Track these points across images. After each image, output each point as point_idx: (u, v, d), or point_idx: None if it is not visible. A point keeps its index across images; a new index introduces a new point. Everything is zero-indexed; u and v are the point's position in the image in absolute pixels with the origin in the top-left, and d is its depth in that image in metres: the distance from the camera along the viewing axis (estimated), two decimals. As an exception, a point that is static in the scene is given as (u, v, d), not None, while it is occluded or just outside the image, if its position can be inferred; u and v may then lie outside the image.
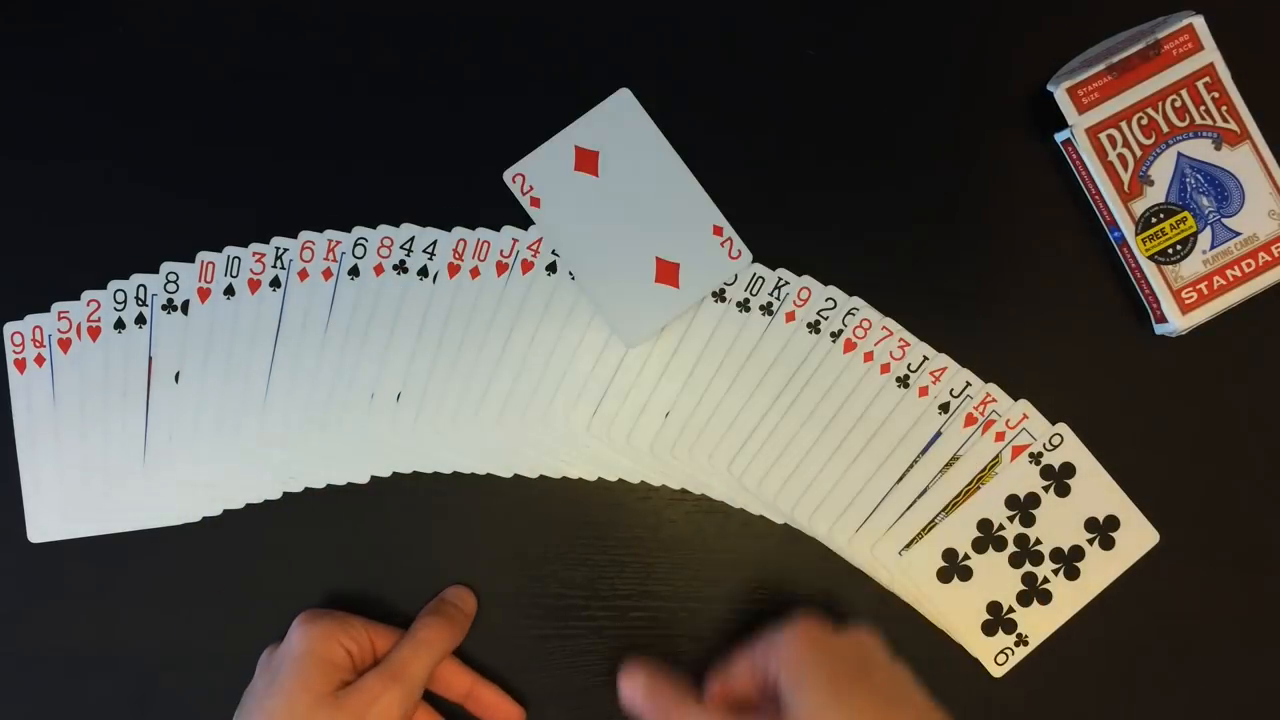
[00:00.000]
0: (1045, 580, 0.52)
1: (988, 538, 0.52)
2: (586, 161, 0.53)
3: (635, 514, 0.53)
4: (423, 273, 0.53)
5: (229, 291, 0.53)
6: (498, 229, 0.53)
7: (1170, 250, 0.51)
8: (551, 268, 0.53)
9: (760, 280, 0.53)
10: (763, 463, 0.52)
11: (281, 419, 0.53)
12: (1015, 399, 0.53)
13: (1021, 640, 0.52)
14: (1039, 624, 0.52)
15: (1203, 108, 0.51)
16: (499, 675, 0.52)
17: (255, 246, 0.54)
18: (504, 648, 0.53)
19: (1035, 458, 0.52)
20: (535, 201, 0.53)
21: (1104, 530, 0.52)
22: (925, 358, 0.53)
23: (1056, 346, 0.53)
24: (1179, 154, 0.51)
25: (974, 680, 0.52)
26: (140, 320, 0.54)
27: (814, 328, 0.53)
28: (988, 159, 0.54)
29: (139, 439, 0.53)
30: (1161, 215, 0.51)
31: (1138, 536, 0.52)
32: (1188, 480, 0.53)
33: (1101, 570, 0.52)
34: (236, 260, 0.53)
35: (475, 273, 0.53)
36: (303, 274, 0.53)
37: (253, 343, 0.53)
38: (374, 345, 0.53)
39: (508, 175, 0.53)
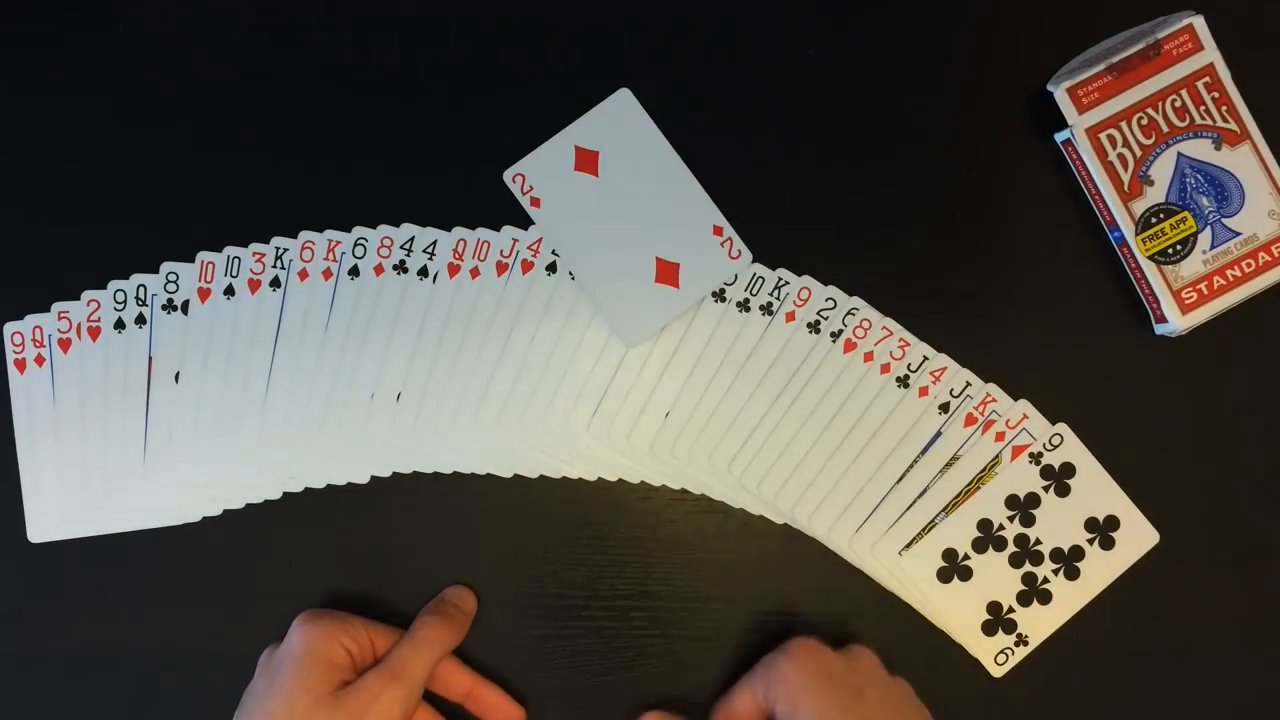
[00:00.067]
0: (1045, 580, 0.52)
1: (988, 538, 0.52)
2: (586, 161, 0.53)
3: (635, 514, 0.53)
4: (423, 273, 0.53)
5: (229, 291, 0.53)
6: (498, 229, 0.53)
7: (1170, 250, 0.51)
8: (551, 268, 0.53)
9: (760, 280, 0.53)
10: (763, 463, 0.52)
11: (281, 419, 0.53)
12: (1015, 399, 0.53)
13: (1021, 640, 0.52)
14: (1039, 624, 0.52)
15: (1203, 108, 0.51)
16: (499, 675, 0.52)
17: (255, 246, 0.54)
18: (504, 648, 0.53)
19: (1035, 458, 0.52)
20: (535, 201, 0.53)
21: (1104, 530, 0.52)
22: (925, 358, 0.53)
23: (1056, 346, 0.53)
24: (1179, 154, 0.51)
25: (974, 680, 0.52)
26: (140, 320, 0.54)
27: (814, 328, 0.53)
28: (988, 159, 0.54)
29: (139, 439, 0.53)
30: (1161, 215, 0.51)
31: (1138, 536, 0.52)
32: (1188, 480, 0.53)
33: (1101, 570, 0.52)
34: (236, 260, 0.53)
35: (475, 273, 0.53)
36: (303, 274, 0.53)
37: (253, 343, 0.53)
38: (374, 345, 0.53)
39: (508, 175, 0.53)
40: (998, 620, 0.52)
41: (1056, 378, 0.53)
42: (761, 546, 0.53)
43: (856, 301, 0.53)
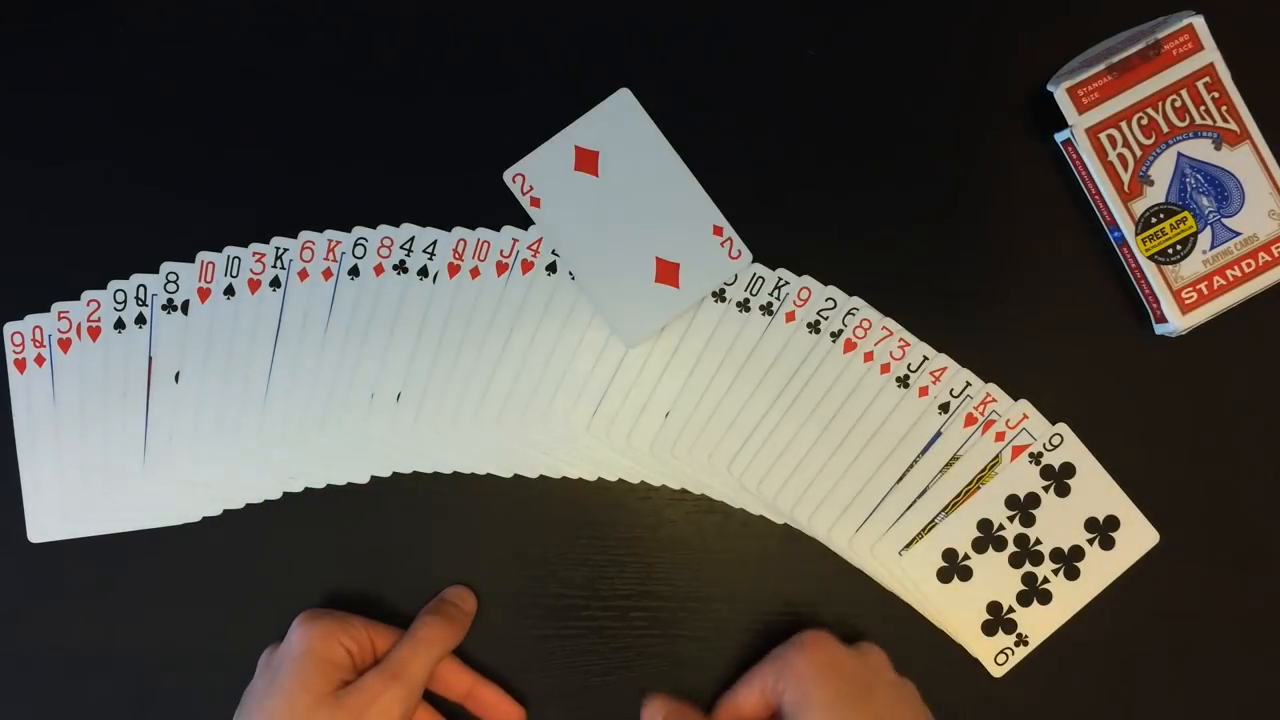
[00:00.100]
0: (1045, 580, 0.52)
1: (988, 538, 0.52)
2: (586, 161, 0.53)
3: (635, 514, 0.53)
4: (423, 273, 0.53)
5: (229, 291, 0.53)
6: (498, 229, 0.53)
7: (1170, 250, 0.51)
8: (551, 268, 0.53)
9: (760, 280, 0.53)
10: (763, 463, 0.52)
11: (281, 419, 0.53)
12: (1015, 399, 0.53)
13: (1021, 640, 0.52)
14: (1039, 624, 0.52)
15: (1203, 108, 0.51)
16: (499, 675, 0.52)
17: (255, 246, 0.54)
18: (504, 648, 0.53)
19: (1035, 458, 0.52)
20: (535, 201, 0.53)
21: (1104, 530, 0.52)
22: (925, 358, 0.53)
23: (1056, 346, 0.53)
24: (1179, 154, 0.51)
25: (974, 680, 0.52)
26: (140, 320, 0.54)
27: (814, 328, 0.53)
28: (988, 159, 0.54)
29: (139, 439, 0.53)
30: (1161, 215, 0.51)
31: (1138, 536, 0.52)
32: (1188, 480, 0.53)
33: (1101, 570, 0.52)
34: (236, 260, 0.53)
35: (475, 273, 0.53)
36: (303, 274, 0.53)
37: (253, 343, 0.53)
38: (374, 345, 0.53)
39: (508, 175, 0.53)
40: (998, 620, 0.52)
41: (1056, 378, 0.53)
42: (761, 546, 0.53)
43: (856, 301, 0.53)
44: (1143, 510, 0.52)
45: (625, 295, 0.52)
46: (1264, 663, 0.53)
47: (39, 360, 0.54)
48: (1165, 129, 0.51)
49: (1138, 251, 0.51)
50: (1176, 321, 0.51)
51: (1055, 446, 0.52)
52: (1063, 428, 0.52)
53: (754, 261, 0.53)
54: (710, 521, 0.53)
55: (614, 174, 0.53)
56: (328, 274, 0.53)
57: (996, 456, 0.52)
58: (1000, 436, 0.52)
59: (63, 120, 0.55)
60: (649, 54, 0.54)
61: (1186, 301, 0.51)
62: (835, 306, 0.53)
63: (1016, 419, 0.52)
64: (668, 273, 0.52)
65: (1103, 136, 0.51)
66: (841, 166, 0.54)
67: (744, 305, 0.53)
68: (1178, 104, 0.51)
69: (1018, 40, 0.54)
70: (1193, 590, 0.53)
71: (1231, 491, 0.53)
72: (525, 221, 0.53)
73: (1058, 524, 0.52)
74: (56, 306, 0.54)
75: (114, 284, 0.54)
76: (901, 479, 0.52)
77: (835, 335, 0.53)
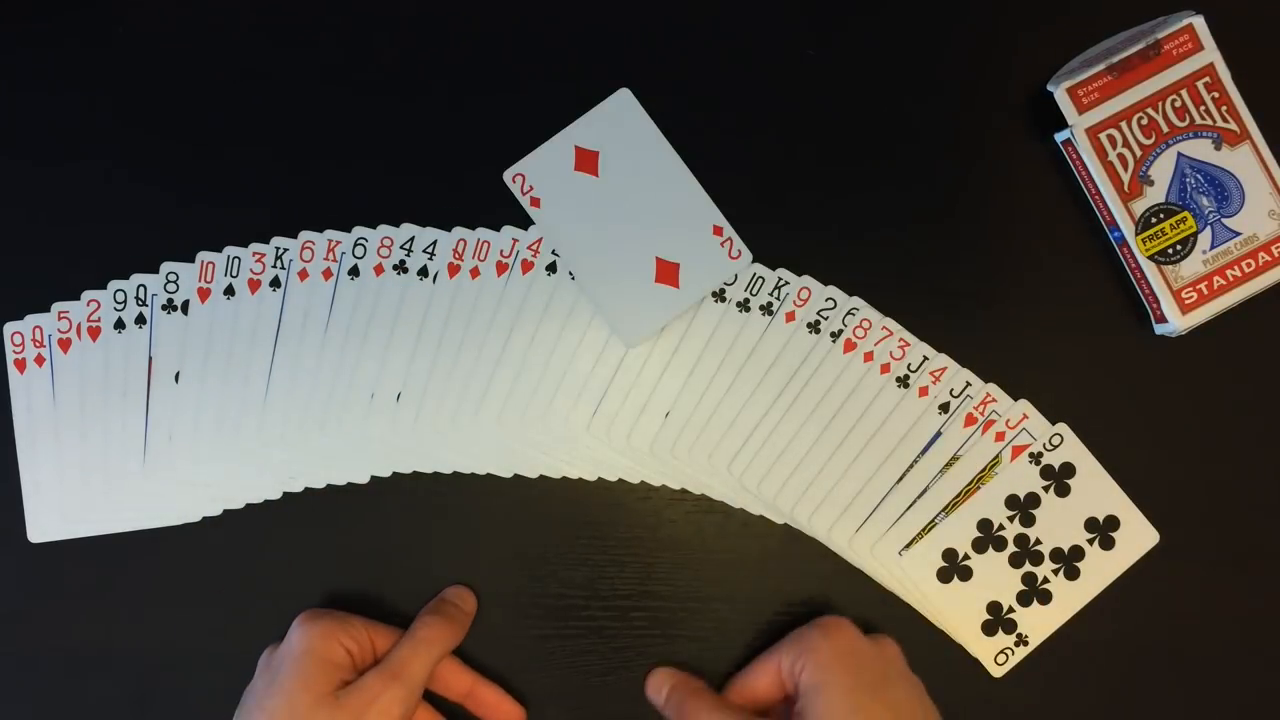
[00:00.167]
0: (1045, 580, 0.52)
1: (988, 538, 0.52)
2: (586, 161, 0.53)
3: (635, 514, 0.53)
4: (423, 273, 0.53)
5: (229, 291, 0.53)
6: (498, 229, 0.53)
7: (1170, 250, 0.51)
8: (551, 268, 0.53)
9: (760, 280, 0.53)
10: (763, 463, 0.52)
11: (281, 419, 0.53)
12: (1015, 399, 0.53)
13: (1021, 640, 0.52)
14: (1039, 624, 0.52)
15: (1203, 108, 0.51)
16: (499, 675, 0.52)
17: (255, 246, 0.54)
18: (504, 648, 0.53)
19: (1035, 458, 0.52)
20: (535, 201, 0.53)
21: (1104, 530, 0.52)
22: (925, 358, 0.53)
23: (1056, 346, 0.53)
24: (1179, 154, 0.51)
25: (974, 680, 0.52)
26: (140, 320, 0.54)
27: (814, 328, 0.53)
28: (988, 159, 0.54)
29: (139, 439, 0.53)
30: (1161, 215, 0.51)
31: (1138, 536, 0.52)
32: (1188, 480, 0.53)
33: (1101, 570, 0.52)
34: (236, 260, 0.53)
35: (475, 273, 0.53)
36: (303, 274, 0.53)
37: (253, 343, 0.53)
38: (374, 345, 0.53)
39: (508, 175, 0.53)
40: (998, 620, 0.52)
41: (1056, 378, 0.53)
42: (761, 546, 0.53)
43: (856, 301, 0.53)
44: (1143, 510, 0.52)
45: (625, 295, 0.52)
46: (1264, 663, 0.53)
47: (39, 360, 0.54)
48: (1165, 129, 0.51)
49: (1138, 251, 0.51)
50: (1176, 321, 0.51)
51: (1055, 446, 0.52)
52: (1063, 428, 0.52)
53: (754, 261, 0.53)
54: (710, 521, 0.53)
55: (614, 174, 0.53)
56: (328, 274, 0.53)
57: (996, 456, 0.52)
58: (1000, 436, 0.52)
59: (63, 120, 0.55)
60: (649, 54, 0.54)
61: (1186, 301, 0.51)
62: (835, 306, 0.53)
63: (1016, 419, 0.52)
64: (668, 273, 0.52)
65: (1103, 136, 0.51)
66: (841, 166, 0.54)
67: (744, 305, 0.53)
68: (1178, 104, 0.51)
69: (1018, 40, 0.54)
70: (1193, 590, 0.53)
71: (1231, 491, 0.53)
72: (525, 221, 0.53)
73: (1058, 524, 0.52)
74: (56, 306, 0.54)
75: (114, 284, 0.54)
76: (901, 479, 0.52)
77: (835, 335, 0.53)
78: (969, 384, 0.52)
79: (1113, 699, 0.53)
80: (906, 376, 0.52)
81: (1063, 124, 0.52)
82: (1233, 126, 0.51)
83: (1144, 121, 0.51)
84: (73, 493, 0.53)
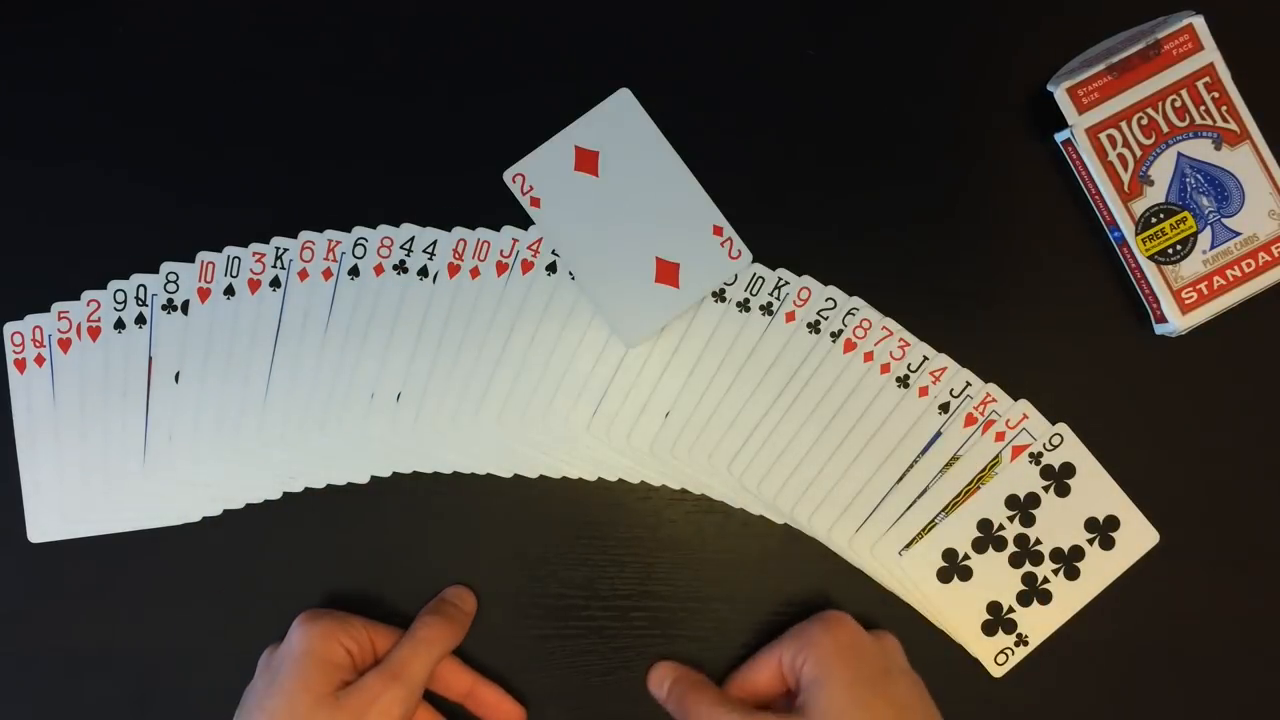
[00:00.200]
0: (1045, 580, 0.52)
1: (988, 538, 0.52)
2: (586, 161, 0.53)
3: (635, 514, 0.53)
4: (423, 273, 0.53)
5: (229, 291, 0.53)
6: (498, 229, 0.53)
7: (1170, 250, 0.51)
8: (551, 268, 0.53)
9: (760, 280, 0.53)
10: (763, 463, 0.52)
11: (281, 419, 0.53)
12: (1015, 399, 0.53)
13: (1021, 640, 0.52)
14: (1039, 624, 0.52)
15: (1203, 108, 0.51)
16: (499, 675, 0.52)
17: (255, 246, 0.54)
18: (504, 648, 0.53)
19: (1035, 458, 0.52)
20: (535, 201, 0.53)
21: (1104, 530, 0.52)
22: (925, 358, 0.53)
23: (1056, 346, 0.53)
24: (1179, 154, 0.51)
25: (974, 680, 0.52)
26: (140, 320, 0.54)
27: (814, 328, 0.53)
28: (988, 159, 0.54)
29: (139, 439, 0.53)
30: (1161, 215, 0.51)
31: (1138, 536, 0.52)
32: (1188, 480, 0.53)
33: (1101, 570, 0.52)
34: (236, 260, 0.53)
35: (475, 273, 0.53)
36: (303, 274, 0.53)
37: (253, 343, 0.53)
38: (374, 345, 0.53)
39: (508, 175, 0.53)
40: (998, 620, 0.52)
41: (1056, 378, 0.53)
42: (761, 546, 0.53)
43: (856, 301, 0.53)
44: (1143, 510, 0.52)
45: (625, 295, 0.52)
46: (1264, 663, 0.53)
47: (39, 360, 0.54)
48: (1165, 129, 0.51)
49: (1138, 251, 0.51)
50: (1176, 321, 0.51)
51: (1055, 446, 0.52)
52: (1063, 428, 0.52)
53: (754, 261, 0.53)
54: (710, 521, 0.53)
55: (614, 174, 0.53)
56: (328, 274, 0.53)
57: (996, 456, 0.52)
58: (1000, 436, 0.52)
59: (63, 120, 0.55)
60: (649, 54, 0.54)
61: (1186, 301, 0.51)
62: (835, 306, 0.53)
63: (1016, 419, 0.52)
64: (668, 273, 0.52)
65: (1103, 136, 0.51)
66: (841, 166, 0.54)
67: (744, 305, 0.53)
68: (1178, 104, 0.51)
69: (1018, 40, 0.54)
70: (1193, 590, 0.53)
71: (1231, 491, 0.53)
72: (525, 221, 0.53)
73: (1058, 524, 0.52)
74: (56, 306, 0.54)
75: (114, 284, 0.54)
76: (901, 479, 0.52)
77: (835, 335, 0.53)
78: (969, 384, 0.52)
79: (1113, 699, 0.53)
80: (906, 376, 0.52)
81: (1063, 124, 0.52)
82: (1233, 126, 0.51)
83: (1144, 121, 0.51)
84: (73, 493, 0.53)
